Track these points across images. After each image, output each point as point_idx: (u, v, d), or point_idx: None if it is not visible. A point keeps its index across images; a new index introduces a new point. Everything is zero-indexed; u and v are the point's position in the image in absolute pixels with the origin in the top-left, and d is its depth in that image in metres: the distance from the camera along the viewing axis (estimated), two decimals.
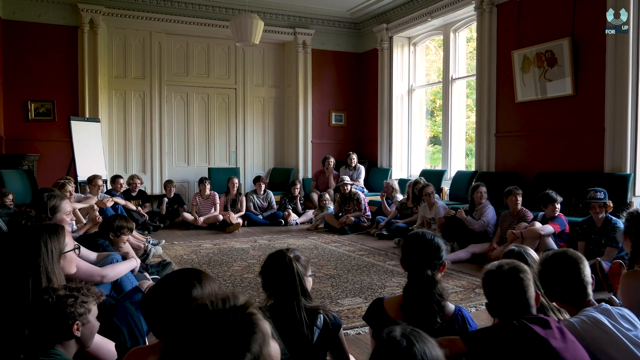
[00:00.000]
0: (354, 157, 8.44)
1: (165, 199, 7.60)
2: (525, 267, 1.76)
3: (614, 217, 4.21)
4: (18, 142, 7.37)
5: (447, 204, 6.19)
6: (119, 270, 2.90)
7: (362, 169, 8.44)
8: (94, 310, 1.75)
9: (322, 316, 1.90)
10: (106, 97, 8.04)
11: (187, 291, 1.49)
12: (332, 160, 8.49)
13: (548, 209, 4.67)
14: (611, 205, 4.28)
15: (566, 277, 1.88)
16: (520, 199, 5.11)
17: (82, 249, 2.78)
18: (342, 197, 7.34)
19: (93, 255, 3.11)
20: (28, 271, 1.94)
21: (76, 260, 2.23)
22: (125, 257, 3.24)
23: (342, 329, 1.99)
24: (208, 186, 7.58)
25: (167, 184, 7.76)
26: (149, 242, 5.30)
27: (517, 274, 1.71)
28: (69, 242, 2.17)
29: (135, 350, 1.67)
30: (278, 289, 1.88)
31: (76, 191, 5.98)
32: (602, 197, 4.27)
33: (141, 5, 8.01)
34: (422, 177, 6.93)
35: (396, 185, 7.28)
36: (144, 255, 4.67)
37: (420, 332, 1.12)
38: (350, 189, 7.26)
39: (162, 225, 7.14)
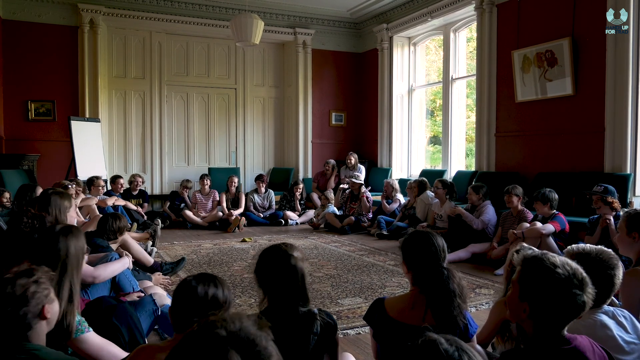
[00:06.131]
0: (353, 157, 8.42)
1: (186, 198, 7.78)
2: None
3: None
4: (18, 142, 7.37)
5: None
6: (111, 269, 2.89)
7: (363, 169, 8.45)
8: (51, 288, 1.71)
9: (318, 322, 1.83)
10: (106, 97, 8.04)
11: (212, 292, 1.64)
12: (332, 162, 8.55)
13: (538, 205, 4.70)
14: (617, 204, 4.24)
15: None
16: (516, 198, 5.09)
17: None
18: (352, 194, 7.34)
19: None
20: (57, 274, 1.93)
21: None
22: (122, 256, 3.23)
23: (337, 329, 1.96)
24: (208, 182, 7.63)
25: (187, 182, 7.90)
26: (155, 227, 5.38)
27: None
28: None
29: (144, 347, 1.69)
30: (276, 290, 1.82)
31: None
32: (600, 189, 4.27)
33: (141, 5, 8.01)
34: (420, 179, 6.93)
35: (396, 185, 7.28)
36: None
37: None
38: (360, 187, 7.29)
39: (163, 225, 7.17)
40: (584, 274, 1.48)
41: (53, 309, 1.65)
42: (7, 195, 5.08)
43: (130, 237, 4.09)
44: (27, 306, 1.57)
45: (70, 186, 5.14)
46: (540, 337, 1.48)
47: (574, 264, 1.50)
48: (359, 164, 8.50)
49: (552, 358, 1.45)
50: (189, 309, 1.60)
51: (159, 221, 6.13)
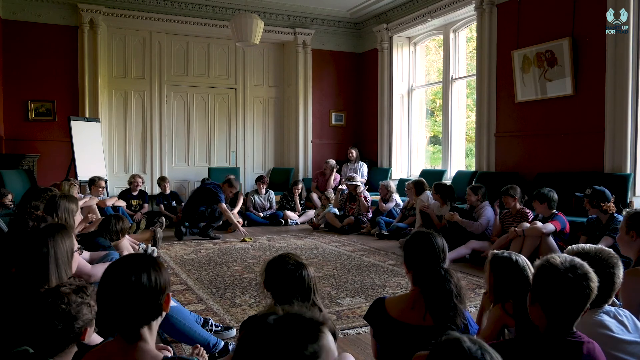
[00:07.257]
0: (354, 151, 8.49)
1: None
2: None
3: (620, 215, 4.21)
4: (18, 142, 7.37)
5: None
6: None
7: (365, 166, 8.45)
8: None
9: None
10: (106, 97, 8.04)
11: (137, 277, 1.47)
12: (331, 162, 8.53)
13: (536, 204, 4.71)
14: (607, 206, 4.24)
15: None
16: (512, 199, 5.08)
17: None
18: (350, 195, 7.34)
19: (85, 254, 3.10)
20: (39, 273, 1.89)
21: (78, 260, 2.22)
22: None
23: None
24: None
25: (161, 180, 7.81)
26: (156, 229, 5.39)
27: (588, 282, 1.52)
28: (75, 242, 2.15)
29: (89, 354, 1.59)
30: (288, 297, 1.86)
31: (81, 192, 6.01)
32: (589, 193, 4.29)
33: (141, 5, 8.01)
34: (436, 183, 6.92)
35: (391, 187, 7.23)
36: None
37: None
38: (359, 190, 7.27)
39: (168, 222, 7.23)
40: (582, 262, 1.54)
41: (90, 332, 1.61)
42: (9, 197, 5.08)
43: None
44: (73, 327, 1.52)
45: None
46: (550, 331, 1.53)
47: (570, 256, 1.57)
48: (361, 162, 8.53)
49: (555, 347, 1.49)
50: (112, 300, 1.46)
51: (163, 219, 6.12)
